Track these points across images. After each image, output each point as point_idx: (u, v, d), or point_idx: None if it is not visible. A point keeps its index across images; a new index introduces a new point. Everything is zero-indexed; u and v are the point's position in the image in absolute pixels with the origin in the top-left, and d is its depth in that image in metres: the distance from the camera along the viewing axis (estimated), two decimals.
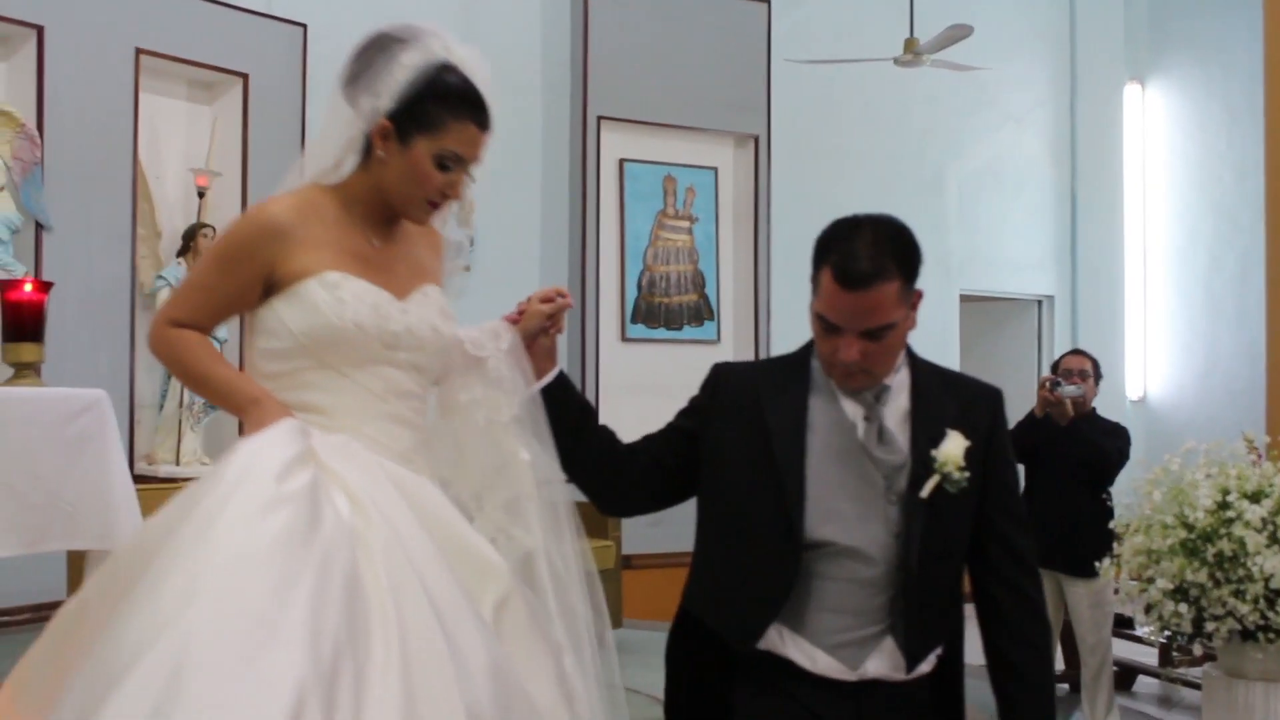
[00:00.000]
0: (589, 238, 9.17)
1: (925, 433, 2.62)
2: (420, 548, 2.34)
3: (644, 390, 8.86)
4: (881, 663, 2.62)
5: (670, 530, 8.87)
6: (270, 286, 2.48)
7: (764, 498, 2.62)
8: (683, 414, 2.82)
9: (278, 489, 2.24)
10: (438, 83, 2.50)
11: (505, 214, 8.82)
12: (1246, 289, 10.48)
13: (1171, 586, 3.24)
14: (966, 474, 2.57)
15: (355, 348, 2.48)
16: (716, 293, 9.74)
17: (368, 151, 2.53)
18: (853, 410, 2.65)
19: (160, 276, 7.27)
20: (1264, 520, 3.19)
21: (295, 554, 2.18)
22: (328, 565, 2.19)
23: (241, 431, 2.46)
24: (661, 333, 9.42)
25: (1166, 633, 3.52)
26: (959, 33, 8.29)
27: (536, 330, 2.73)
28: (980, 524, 2.68)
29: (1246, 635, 3.19)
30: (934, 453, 2.58)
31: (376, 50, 2.53)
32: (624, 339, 9.32)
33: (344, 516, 2.29)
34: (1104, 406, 10.88)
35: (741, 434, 2.67)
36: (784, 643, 2.62)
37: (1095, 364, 6.38)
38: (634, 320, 9.39)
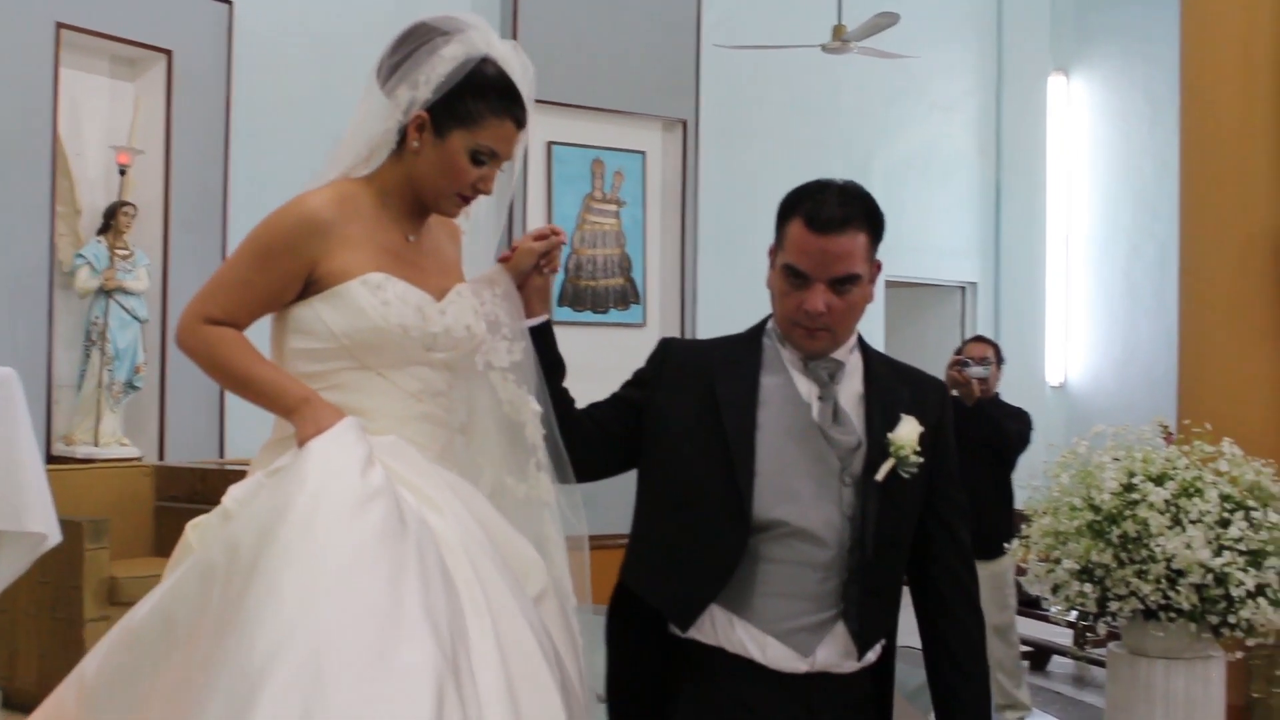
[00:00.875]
0: (516, 219, 9.14)
1: (880, 415, 2.61)
2: (482, 544, 2.36)
3: (569, 373, 8.85)
4: (832, 651, 2.58)
5: (599, 513, 8.93)
6: (310, 284, 2.42)
7: (713, 472, 2.57)
8: (629, 385, 2.78)
9: (364, 483, 2.22)
10: (477, 77, 2.46)
11: None
12: (1165, 278, 10.61)
13: (1077, 567, 3.31)
14: (920, 459, 2.57)
15: (396, 350, 2.44)
16: (643, 276, 9.75)
17: (400, 143, 2.48)
18: (807, 389, 2.62)
19: (80, 255, 7.18)
20: (1166, 502, 3.25)
21: (397, 546, 2.16)
22: (424, 556, 2.19)
23: (288, 434, 2.38)
24: (588, 315, 9.40)
25: (1074, 612, 3.59)
26: (886, 20, 8.37)
27: (529, 269, 2.70)
28: (926, 513, 2.68)
29: (1148, 614, 3.26)
30: (890, 436, 2.57)
31: (417, 41, 2.49)
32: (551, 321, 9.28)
33: (418, 511, 2.28)
34: (1024, 392, 11.10)
35: (690, 406, 2.63)
36: (733, 629, 2.57)
37: (997, 350, 6.57)
38: (560, 303, 9.38)
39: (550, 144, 9.37)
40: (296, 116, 8.29)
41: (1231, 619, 3.19)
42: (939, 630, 2.72)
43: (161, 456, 7.43)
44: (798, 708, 2.57)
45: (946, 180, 11.59)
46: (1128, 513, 3.26)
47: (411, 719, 2.01)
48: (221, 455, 7.72)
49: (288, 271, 2.41)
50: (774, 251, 2.65)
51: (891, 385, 2.67)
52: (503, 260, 2.71)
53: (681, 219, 9.82)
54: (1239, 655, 3.39)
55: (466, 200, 2.53)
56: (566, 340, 8.82)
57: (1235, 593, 3.16)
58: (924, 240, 11.29)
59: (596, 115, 9.50)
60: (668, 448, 2.65)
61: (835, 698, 2.60)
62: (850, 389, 2.65)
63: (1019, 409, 6.46)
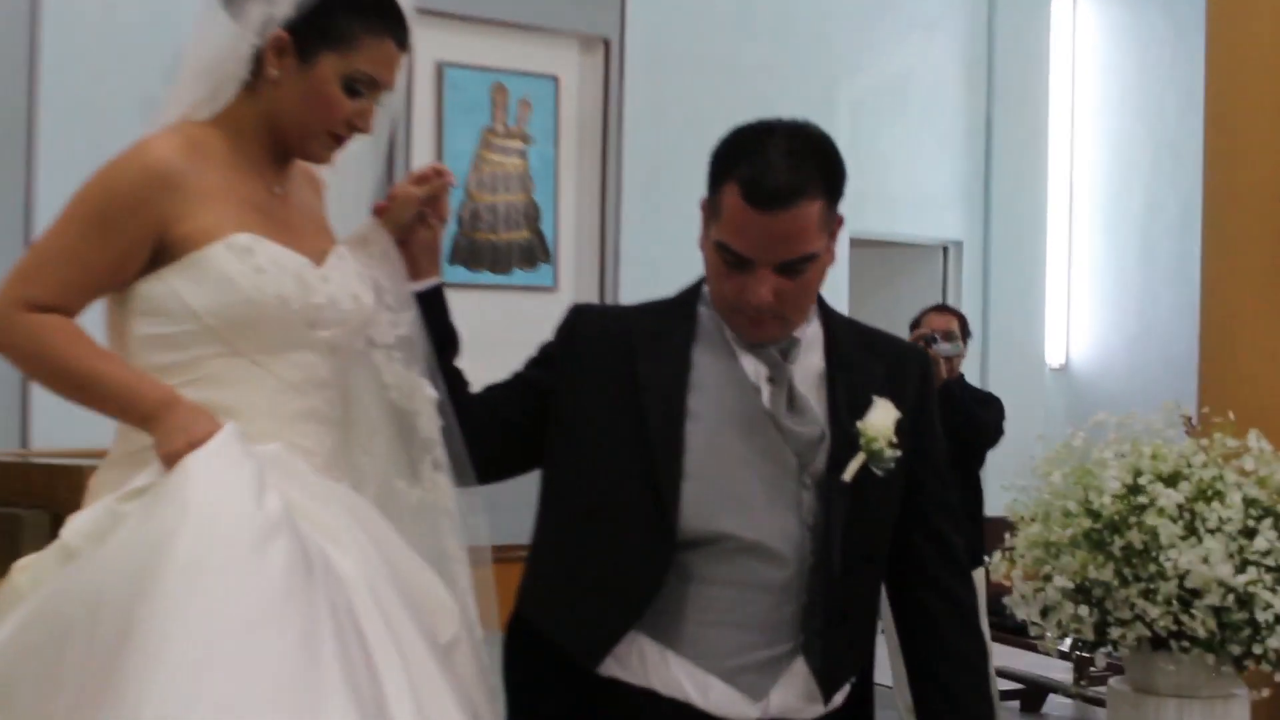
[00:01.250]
0: (398, 157, 9.08)
1: (846, 399, 2.58)
2: (389, 583, 2.32)
3: (463, 347, 8.83)
4: (790, 693, 2.56)
5: (503, 518, 8.89)
6: (159, 252, 2.35)
7: (631, 472, 2.55)
8: (533, 363, 2.76)
9: (260, 514, 2.15)
10: None
11: None
12: (1190, 238, 10.67)
13: (1072, 586, 3.34)
14: (898, 452, 2.53)
15: (275, 328, 2.39)
16: (555, 230, 9.73)
17: (256, 73, 2.43)
18: (754, 369, 2.59)
19: None
20: (1180, 508, 3.28)
21: (306, 597, 2.11)
22: (335, 607, 2.15)
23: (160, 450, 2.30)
24: (486, 277, 9.40)
25: (1067, 640, 3.63)
26: None
27: (412, 221, 2.66)
28: (907, 515, 2.66)
29: (1157, 643, 3.30)
30: (860, 425, 2.52)
31: None
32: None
33: (320, 548, 2.22)
34: (1019, 375, 11.23)
35: (606, 390, 2.61)
36: (668, 667, 2.54)
37: (963, 321, 6.64)
38: (453, 261, 9.32)
39: (440, 65, 9.31)
40: (122, 25, 8.20)
41: (1257, 649, 3.23)
42: (929, 660, 2.71)
43: None
44: None
45: (927, 116, 11.62)
46: (1133, 520, 3.29)
47: None
48: (24, 444, 7.69)
49: (131, 239, 2.33)
50: (707, 211, 2.61)
51: (861, 360, 2.65)
52: (377, 212, 2.66)
53: (602, 160, 9.82)
54: (1266, 693, 3.43)
55: (340, 140, 2.49)
56: (460, 306, 8.80)
57: (1262, 617, 3.20)
58: (899, 190, 11.31)
59: (499, 31, 9.47)
60: (577, 442, 2.63)
61: None
62: (809, 366, 2.63)
63: (989, 394, 6.59)
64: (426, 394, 2.56)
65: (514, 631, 2.68)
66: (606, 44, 9.79)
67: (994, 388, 9.01)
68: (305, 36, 2.41)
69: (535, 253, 9.66)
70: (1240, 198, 5.32)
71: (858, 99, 11.19)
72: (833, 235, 2.57)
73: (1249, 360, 5.21)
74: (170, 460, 2.23)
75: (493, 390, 2.73)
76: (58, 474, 6.41)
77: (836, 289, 10.76)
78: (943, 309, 7.15)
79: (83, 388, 2.34)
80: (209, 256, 2.33)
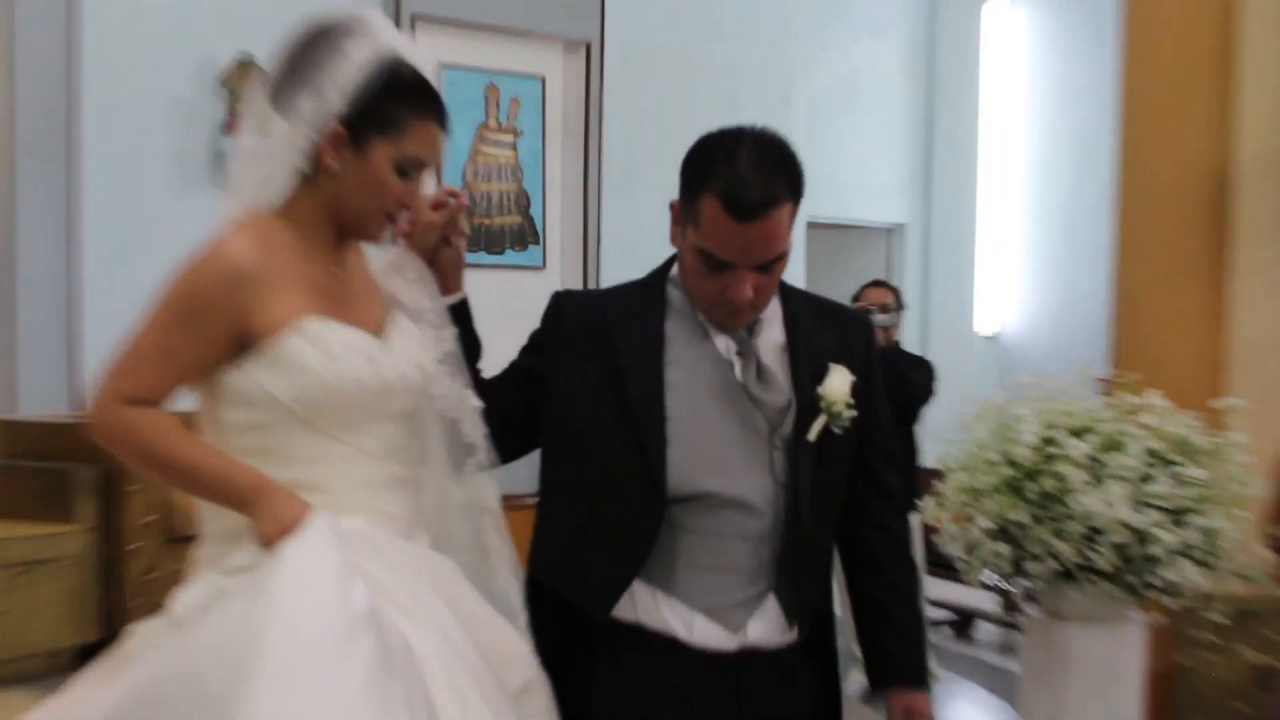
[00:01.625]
0: None
1: (806, 368, 2.60)
2: (462, 657, 2.30)
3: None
4: (764, 625, 2.59)
5: (506, 471, 8.88)
6: (240, 341, 2.31)
7: (621, 442, 2.56)
8: (525, 351, 2.75)
9: (346, 611, 2.11)
10: (395, 78, 2.37)
11: None
12: (1105, 221, 10.64)
13: (993, 526, 3.37)
14: (854, 412, 2.58)
15: (352, 407, 2.35)
16: (543, 214, 9.72)
17: (313, 165, 2.38)
18: (724, 345, 2.61)
19: None
20: (1087, 457, 3.31)
21: (384, 695, 2.07)
22: (409, 697, 2.12)
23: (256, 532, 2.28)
24: (482, 257, 9.37)
25: (988, 574, 3.67)
26: None
27: (436, 243, 2.63)
28: (856, 465, 2.70)
29: (1066, 576, 3.32)
30: (820, 390, 2.57)
31: (316, 46, 2.37)
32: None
33: (400, 633, 2.20)
34: (954, 343, 11.25)
35: (591, 370, 2.61)
36: (658, 607, 2.56)
37: (898, 294, 6.73)
38: None
39: (442, 67, 9.28)
40: (152, 30, 8.12)
41: (1152, 580, 3.25)
42: (870, 589, 2.77)
43: (15, 410, 7.30)
44: (724, 689, 2.58)
45: (873, 112, 11.61)
46: (1046, 468, 3.31)
47: None
48: (74, 407, 7.62)
49: (214, 331, 2.30)
50: (681, 216, 2.59)
51: (816, 330, 2.67)
52: (403, 235, 2.62)
53: (584, 151, 9.79)
54: (1159, 619, 3.46)
55: (393, 220, 2.45)
56: None
57: (1157, 552, 3.22)
58: (849, 178, 11.33)
59: (491, 35, 9.42)
60: (569, 417, 2.65)
61: (764, 675, 2.62)
62: (770, 339, 2.65)
63: (921, 358, 6.66)
64: (471, 404, 2.53)
65: (530, 595, 2.64)
66: (588, 48, 9.75)
67: (932, 354, 9.05)
68: (357, 126, 2.35)
69: (526, 235, 9.65)
70: (1149, 186, 5.35)
71: (813, 97, 11.18)
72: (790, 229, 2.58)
73: (1154, 329, 5.25)
74: (268, 541, 2.21)
75: (494, 384, 2.70)
76: None
77: (794, 268, 10.73)
78: (879, 284, 7.23)
79: (182, 477, 2.31)
80: (287, 348, 2.30)
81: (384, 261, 2.61)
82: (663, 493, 2.53)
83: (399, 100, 2.36)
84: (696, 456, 2.56)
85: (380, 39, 2.38)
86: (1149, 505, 3.26)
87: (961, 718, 6.87)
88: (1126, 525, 3.24)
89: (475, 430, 2.54)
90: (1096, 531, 3.26)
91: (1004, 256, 11.92)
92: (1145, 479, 3.30)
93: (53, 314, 7.65)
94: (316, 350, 2.30)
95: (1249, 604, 4.81)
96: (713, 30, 10.54)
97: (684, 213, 2.57)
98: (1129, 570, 3.28)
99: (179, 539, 6.50)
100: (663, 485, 2.53)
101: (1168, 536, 3.24)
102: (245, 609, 2.13)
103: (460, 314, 2.66)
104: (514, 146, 9.64)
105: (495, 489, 2.56)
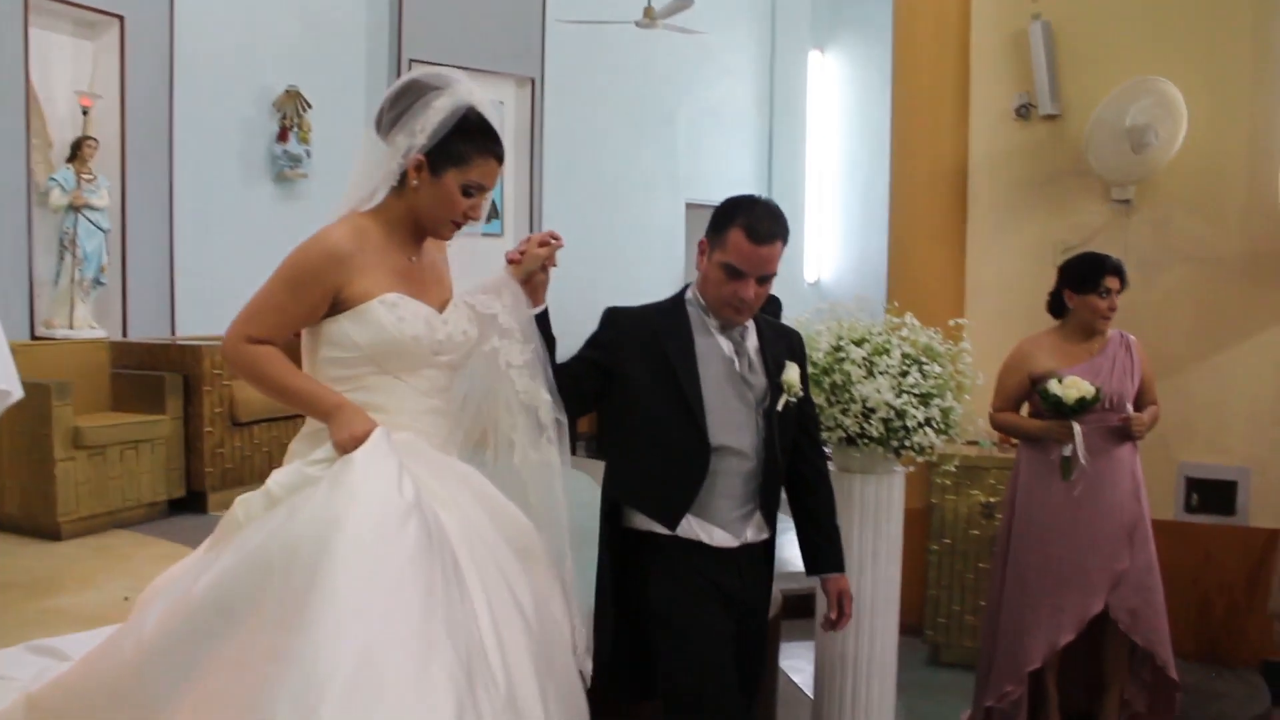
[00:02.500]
0: None
1: (772, 363, 2.70)
2: (484, 526, 2.30)
3: None
4: (753, 529, 2.70)
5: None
6: (336, 304, 2.28)
7: (678, 414, 2.61)
8: (591, 347, 2.73)
9: (402, 499, 2.11)
10: (465, 124, 2.33)
11: (335, 135, 8.55)
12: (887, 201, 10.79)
13: None
14: (801, 393, 2.69)
15: (411, 356, 2.32)
16: (502, 199, 9.64)
17: (401, 181, 2.34)
18: (727, 347, 2.69)
19: (52, 178, 6.93)
20: (864, 359, 3.31)
21: (428, 564, 2.08)
22: (446, 571, 2.11)
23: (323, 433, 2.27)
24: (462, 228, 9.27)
25: None
26: (682, 3, 8.30)
27: (535, 270, 2.56)
28: (796, 424, 2.78)
29: (850, 441, 3.33)
30: (783, 378, 2.68)
31: (413, 96, 2.33)
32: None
33: (435, 517, 2.18)
34: (789, 288, 11.24)
35: (649, 366, 2.64)
36: (690, 526, 2.64)
37: None
38: None
39: None
40: (226, 68, 8.01)
41: (908, 443, 3.27)
42: (805, 503, 2.86)
43: (125, 336, 7.27)
44: (732, 570, 2.68)
45: (733, 128, 11.60)
46: (836, 367, 3.31)
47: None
48: (172, 333, 7.58)
49: (316, 296, 2.27)
50: (708, 245, 2.65)
51: (773, 339, 2.77)
52: (511, 262, 2.56)
53: (530, 156, 9.72)
54: (912, 469, 3.49)
55: (458, 226, 2.42)
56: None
57: (910, 424, 3.24)
58: (715, 172, 11.28)
59: (465, 72, 9.13)
60: (638, 399, 2.66)
61: (753, 559, 2.73)
62: (751, 344, 2.73)
63: (772, 295, 6.60)
64: (544, 398, 2.49)
65: (608, 513, 2.70)
66: (533, 82, 9.65)
67: (781, 292, 9.09)
68: (436, 158, 2.32)
69: (490, 213, 9.52)
70: (912, 176, 5.37)
71: (691, 117, 11.13)
72: None
73: (917, 274, 5.29)
74: (340, 445, 2.20)
75: (568, 368, 2.67)
76: (187, 351, 6.32)
77: (676, 236, 10.75)
78: None
79: (283, 393, 2.29)
80: (369, 309, 2.28)
81: (488, 283, 2.53)
82: (708, 444, 2.61)
83: (467, 140, 2.33)
84: (719, 421, 2.64)
85: (459, 92, 2.35)
86: (905, 392, 3.27)
87: None
88: (890, 405, 3.25)
89: (548, 416, 2.50)
90: (870, 410, 3.26)
91: (823, 227, 12.00)
92: (904, 374, 3.30)
93: (153, 268, 7.61)
94: (390, 313, 2.28)
95: (978, 460, 4.87)
96: (621, 71, 10.46)
97: (712, 241, 2.65)
98: (891, 436, 3.29)
99: (240, 424, 6.42)
100: (707, 439, 2.61)
101: (917, 413, 3.25)
102: (328, 494, 2.12)
103: (542, 320, 2.59)
104: None
105: (560, 455, 2.52)
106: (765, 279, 2.62)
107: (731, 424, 2.65)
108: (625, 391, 2.68)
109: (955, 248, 5.24)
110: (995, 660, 3.95)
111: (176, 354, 6.30)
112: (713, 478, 2.64)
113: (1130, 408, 3.88)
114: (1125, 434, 3.86)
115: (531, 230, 9.63)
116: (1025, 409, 4.03)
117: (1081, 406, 3.76)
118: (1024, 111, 5.06)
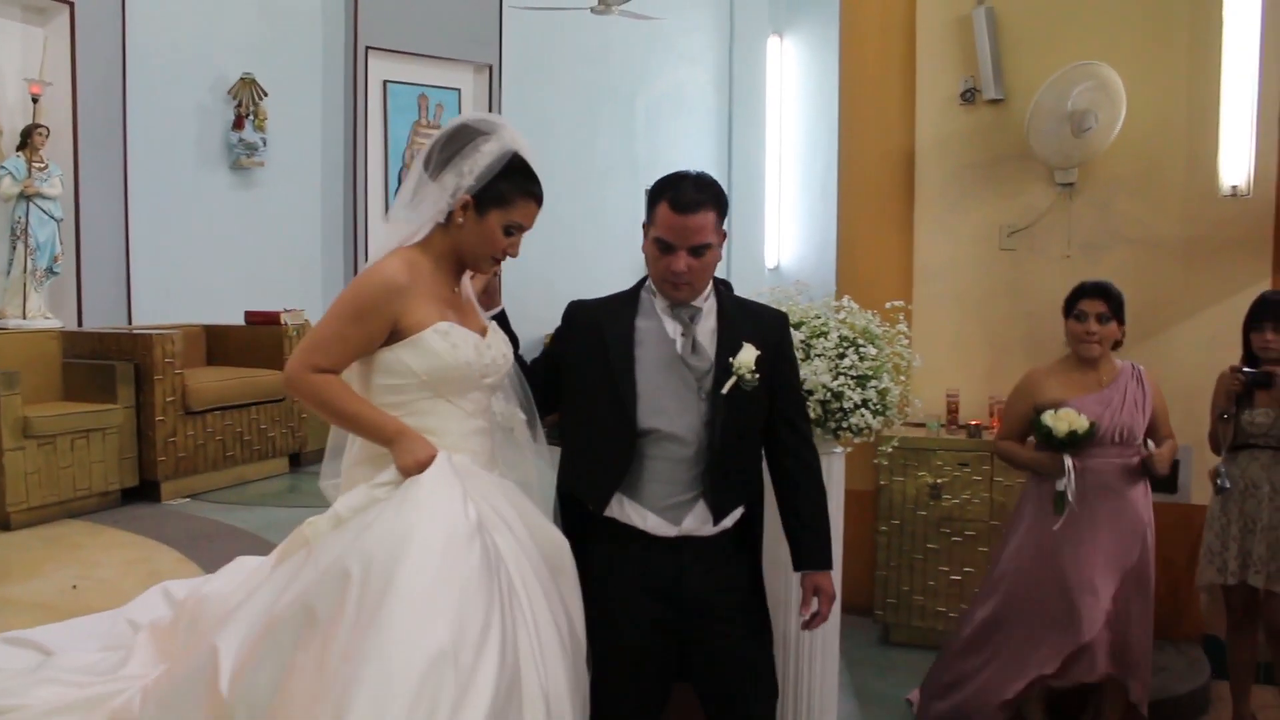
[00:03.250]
0: (359, 140, 8.91)
1: (727, 345, 2.63)
2: (528, 546, 2.42)
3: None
4: (694, 520, 2.62)
5: None
6: (392, 334, 2.38)
7: (607, 398, 2.60)
8: (551, 341, 2.79)
9: (467, 521, 2.25)
10: (511, 167, 2.43)
11: (292, 122, 8.50)
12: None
13: None
14: (757, 376, 2.59)
15: (462, 380, 2.43)
16: None
17: (447, 218, 2.44)
18: (672, 328, 2.65)
19: (2, 167, 6.83)
20: (802, 342, 3.31)
21: (489, 583, 2.22)
22: (503, 592, 2.25)
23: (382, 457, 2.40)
24: None
25: None
26: None
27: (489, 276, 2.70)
28: (773, 414, 2.71)
29: None
30: (731, 360, 2.60)
31: (463, 140, 2.43)
32: (388, 218, 9.10)
33: (494, 539, 2.32)
34: (749, 272, 11.25)
35: (589, 353, 2.65)
36: (624, 508, 2.62)
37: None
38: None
39: (385, 82, 9.09)
40: (181, 55, 7.93)
41: (845, 424, 3.27)
42: (786, 496, 2.78)
43: (80, 325, 7.19)
44: (669, 562, 2.63)
45: (692, 114, 11.56)
46: None
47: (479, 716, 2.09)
48: (129, 322, 7.52)
49: (376, 327, 2.37)
50: (646, 226, 2.66)
51: (737, 320, 2.69)
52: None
53: None
54: (850, 449, 3.49)
55: (498, 261, 2.51)
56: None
57: (847, 405, 3.24)
58: (675, 159, 11.19)
59: (422, 59, 9.26)
60: (575, 384, 2.68)
61: (700, 553, 2.65)
62: (707, 326, 2.67)
63: (725, 280, 6.60)
64: (520, 417, 2.64)
65: (559, 498, 2.75)
66: (490, 68, 9.62)
67: (734, 279, 9.07)
68: (482, 198, 2.41)
69: None
70: (861, 163, 5.37)
71: (649, 104, 11.11)
72: (721, 239, 2.64)
73: (866, 258, 5.30)
74: (405, 470, 2.33)
75: (534, 366, 2.75)
76: (139, 340, 6.27)
77: (633, 225, 10.71)
78: None
79: (346, 419, 2.40)
80: (424, 338, 2.38)
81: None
82: (635, 426, 2.60)
83: (511, 183, 2.44)
84: (649, 404, 2.60)
85: (505, 138, 2.45)
86: (842, 374, 3.27)
87: None
88: (826, 387, 3.25)
89: (523, 434, 2.65)
90: (809, 392, 3.27)
91: (783, 212, 12.00)
92: (840, 356, 3.31)
93: (108, 257, 7.54)
94: (444, 341, 2.39)
95: (924, 442, 4.90)
96: (579, 58, 10.43)
97: (648, 218, 2.65)
98: (829, 418, 3.29)
99: (193, 413, 6.37)
100: (634, 421, 2.59)
101: (854, 395, 3.26)
102: (399, 509, 2.25)
103: (502, 320, 2.71)
104: None
105: (538, 469, 2.67)
106: (698, 250, 2.57)
107: (665, 407, 2.61)
108: (569, 378, 2.70)
109: (903, 231, 5.26)
110: (965, 673, 3.97)
111: (128, 343, 6.25)
112: (643, 461, 2.61)
113: (1150, 444, 3.77)
114: (1141, 472, 3.76)
115: None
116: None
117: (1073, 440, 3.64)
118: (969, 96, 5.08)
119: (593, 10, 8.71)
